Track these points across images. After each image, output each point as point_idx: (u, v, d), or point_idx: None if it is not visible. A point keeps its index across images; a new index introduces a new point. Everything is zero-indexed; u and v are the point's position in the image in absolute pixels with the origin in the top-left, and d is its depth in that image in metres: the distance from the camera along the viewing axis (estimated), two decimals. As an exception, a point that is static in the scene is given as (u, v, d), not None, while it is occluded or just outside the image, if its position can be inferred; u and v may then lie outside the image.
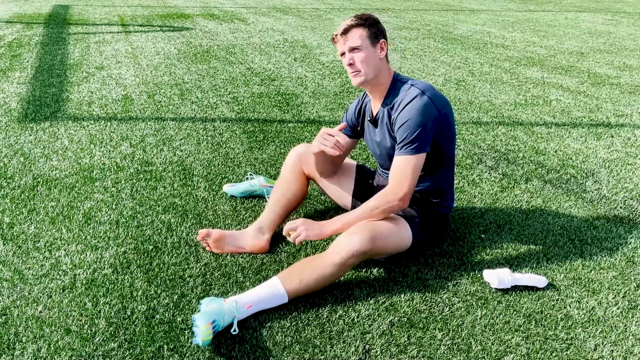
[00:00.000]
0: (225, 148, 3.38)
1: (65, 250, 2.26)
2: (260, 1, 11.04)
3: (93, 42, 6.58)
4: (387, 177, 2.29)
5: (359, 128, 2.32)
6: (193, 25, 8.04)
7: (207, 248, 2.26)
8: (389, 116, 2.10)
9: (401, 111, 2.03)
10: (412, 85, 2.08)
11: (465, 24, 8.53)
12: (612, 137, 3.67)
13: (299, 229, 2.03)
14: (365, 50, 2.02)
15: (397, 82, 2.11)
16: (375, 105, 2.19)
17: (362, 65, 2.03)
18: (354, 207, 2.45)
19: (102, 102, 4.27)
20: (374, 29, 2.05)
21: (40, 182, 2.88)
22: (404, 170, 2.02)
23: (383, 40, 2.08)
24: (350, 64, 2.04)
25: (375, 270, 2.15)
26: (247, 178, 2.82)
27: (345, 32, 2.03)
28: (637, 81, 5.11)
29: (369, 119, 2.23)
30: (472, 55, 6.20)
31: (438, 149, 2.09)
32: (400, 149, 2.03)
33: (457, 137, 3.58)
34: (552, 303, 1.98)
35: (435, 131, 2.04)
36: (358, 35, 2.02)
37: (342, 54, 2.07)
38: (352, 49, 2.03)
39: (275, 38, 7.08)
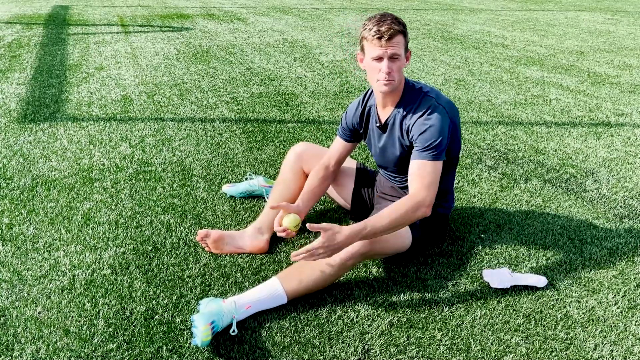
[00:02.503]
0: (224, 148, 3.38)
1: (64, 251, 2.26)
2: (260, 1, 11.04)
3: (92, 43, 6.58)
4: (391, 178, 2.29)
5: (361, 131, 2.26)
6: (193, 25, 8.04)
7: (206, 248, 2.26)
8: (401, 125, 2.06)
9: (418, 119, 1.99)
10: (425, 93, 2.04)
11: (465, 23, 8.53)
12: (612, 136, 3.67)
13: (319, 251, 1.78)
14: (401, 59, 1.95)
15: (408, 88, 2.07)
16: (384, 111, 2.13)
17: (397, 74, 1.96)
18: (353, 207, 2.44)
19: (102, 102, 4.27)
20: (407, 38, 1.98)
21: (40, 182, 2.88)
22: (425, 175, 1.94)
23: (409, 51, 2.03)
24: (389, 73, 1.92)
25: (374, 271, 2.15)
26: (246, 178, 2.82)
27: (391, 37, 1.89)
28: (637, 80, 5.11)
29: (377, 125, 2.16)
30: (472, 54, 6.20)
31: (447, 154, 2.07)
32: (422, 151, 1.97)
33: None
34: (552, 303, 1.98)
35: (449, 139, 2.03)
36: (401, 44, 1.93)
37: (379, 59, 1.93)
38: (393, 57, 1.92)
39: (274, 38, 7.08)
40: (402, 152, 2.10)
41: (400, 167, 2.18)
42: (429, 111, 1.99)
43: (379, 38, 1.89)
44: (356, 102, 2.26)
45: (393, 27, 1.89)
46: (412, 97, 2.05)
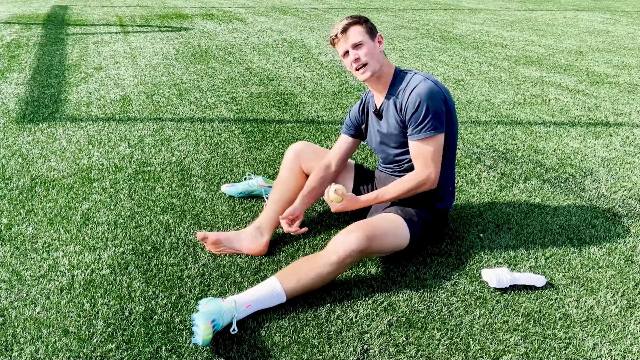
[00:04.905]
0: (223, 148, 3.38)
1: (63, 251, 2.26)
2: (259, 1, 11.04)
3: (91, 43, 6.57)
4: (391, 171, 2.30)
5: (363, 126, 2.34)
6: (192, 25, 8.03)
7: (207, 248, 2.26)
8: (395, 105, 2.13)
9: (409, 96, 2.07)
10: (414, 73, 2.14)
11: (464, 23, 8.53)
12: (611, 135, 3.67)
13: (341, 204, 2.12)
14: (367, 44, 2.09)
15: (399, 74, 2.17)
16: (378, 98, 2.22)
17: (368, 58, 2.08)
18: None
19: (101, 102, 4.27)
20: (369, 24, 2.13)
21: (39, 183, 2.88)
22: (425, 153, 2.08)
23: (379, 34, 2.15)
24: (356, 59, 2.08)
25: (373, 270, 2.15)
26: (245, 178, 2.81)
27: (345, 30, 2.09)
28: (635, 80, 5.11)
29: (373, 111, 2.26)
30: (471, 54, 6.20)
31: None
32: (419, 132, 2.07)
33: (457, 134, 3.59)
34: (551, 302, 1.98)
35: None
36: (357, 32, 2.09)
37: (345, 53, 2.12)
38: (355, 46, 2.08)
39: (273, 38, 7.07)
40: (400, 130, 2.15)
41: (400, 152, 2.22)
42: (418, 86, 2.07)
43: (336, 36, 2.11)
44: (359, 101, 2.37)
45: (345, 23, 2.10)
46: (402, 78, 2.14)
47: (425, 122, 2.05)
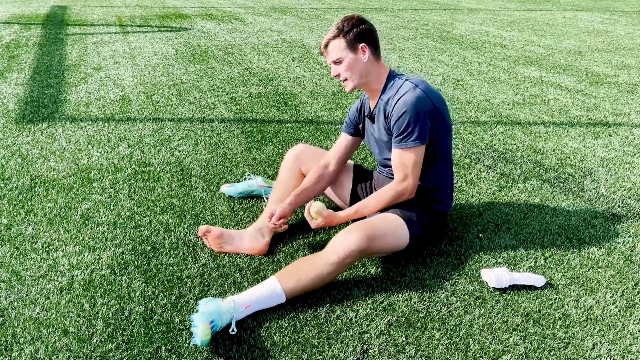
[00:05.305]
0: (223, 148, 3.38)
1: (62, 251, 2.26)
2: (259, 1, 11.04)
3: (91, 43, 6.57)
4: (386, 174, 2.31)
5: (360, 126, 2.34)
6: (191, 25, 8.03)
7: (207, 244, 2.26)
8: (384, 111, 2.14)
9: (395, 104, 2.07)
10: (405, 80, 2.13)
11: (463, 23, 8.53)
12: (610, 136, 3.68)
13: (320, 221, 2.15)
14: (346, 59, 2.10)
15: (392, 79, 2.16)
16: (372, 102, 2.23)
17: (347, 74, 2.12)
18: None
19: (100, 102, 4.27)
20: (350, 35, 2.08)
21: (38, 183, 2.88)
22: (405, 163, 2.08)
23: (363, 44, 2.09)
24: (336, 75, 2.15)
25: (373, 270, 2.15)
26: (245, 178, 2.82)
27: (326, 46, 2.13)
28: (635, 80, 5.12)
29: (367, 114, 2.27)
30: (470, 54, 6.20)
31: (432, 143, 2.12)
32: (400, 142, 2.07)
33: (454, 135, 3.59)
34: (550, 302, 1.98)
35: (431, 123, 2.07)
36: (336, 48, 2.10)
37: (331, 64, 2.19)
38: (335, 62, 2.13)
39: (273, 38, 7.08)
40: (388, 137, 2.17)
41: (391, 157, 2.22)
42: (405, 95, 2.06)
43: (320, 50, 2.18)
44: (359, 99, 2.38)
45: (326, 37, 2.12)
46: (393, 85, 2.14)
47: (407, 132, 2.04)
